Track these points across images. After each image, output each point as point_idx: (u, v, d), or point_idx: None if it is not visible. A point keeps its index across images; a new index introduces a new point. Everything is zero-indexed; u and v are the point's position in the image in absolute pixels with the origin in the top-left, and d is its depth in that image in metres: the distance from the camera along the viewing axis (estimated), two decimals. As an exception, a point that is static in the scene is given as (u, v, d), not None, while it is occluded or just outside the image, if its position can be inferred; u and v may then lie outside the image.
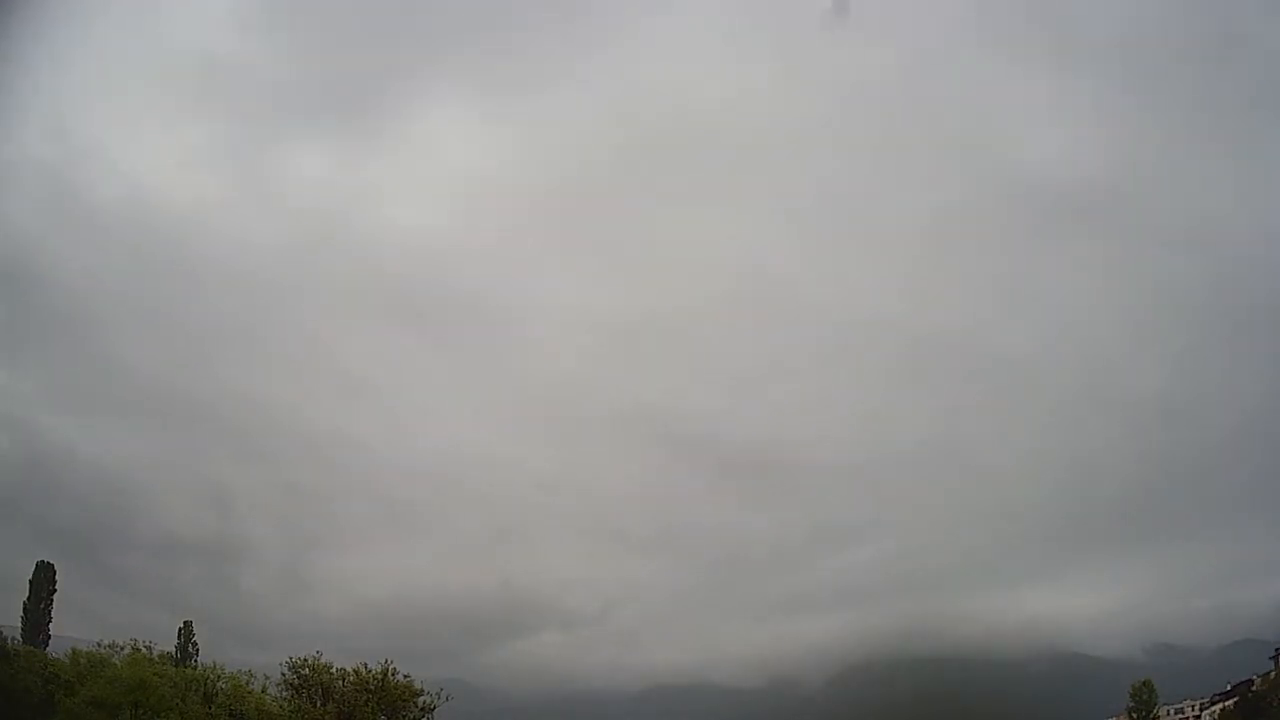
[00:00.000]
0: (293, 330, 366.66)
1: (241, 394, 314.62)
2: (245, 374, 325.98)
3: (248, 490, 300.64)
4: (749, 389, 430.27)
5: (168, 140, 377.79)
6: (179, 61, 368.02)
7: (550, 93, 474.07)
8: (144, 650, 73.36)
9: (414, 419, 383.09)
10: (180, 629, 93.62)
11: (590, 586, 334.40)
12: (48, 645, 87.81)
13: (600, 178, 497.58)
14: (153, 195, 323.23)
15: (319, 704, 75.72)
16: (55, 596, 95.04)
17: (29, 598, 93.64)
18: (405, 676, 78.79)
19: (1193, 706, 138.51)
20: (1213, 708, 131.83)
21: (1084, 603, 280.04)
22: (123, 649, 72.75)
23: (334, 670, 77.76)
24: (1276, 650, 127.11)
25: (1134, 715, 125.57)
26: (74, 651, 74.09)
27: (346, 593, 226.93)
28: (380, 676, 77.53)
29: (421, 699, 78.82)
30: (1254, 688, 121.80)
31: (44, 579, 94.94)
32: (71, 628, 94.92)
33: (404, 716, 78.06)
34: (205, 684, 73.83)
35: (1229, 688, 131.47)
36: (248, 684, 75.73)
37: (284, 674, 77.19)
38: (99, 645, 73.92)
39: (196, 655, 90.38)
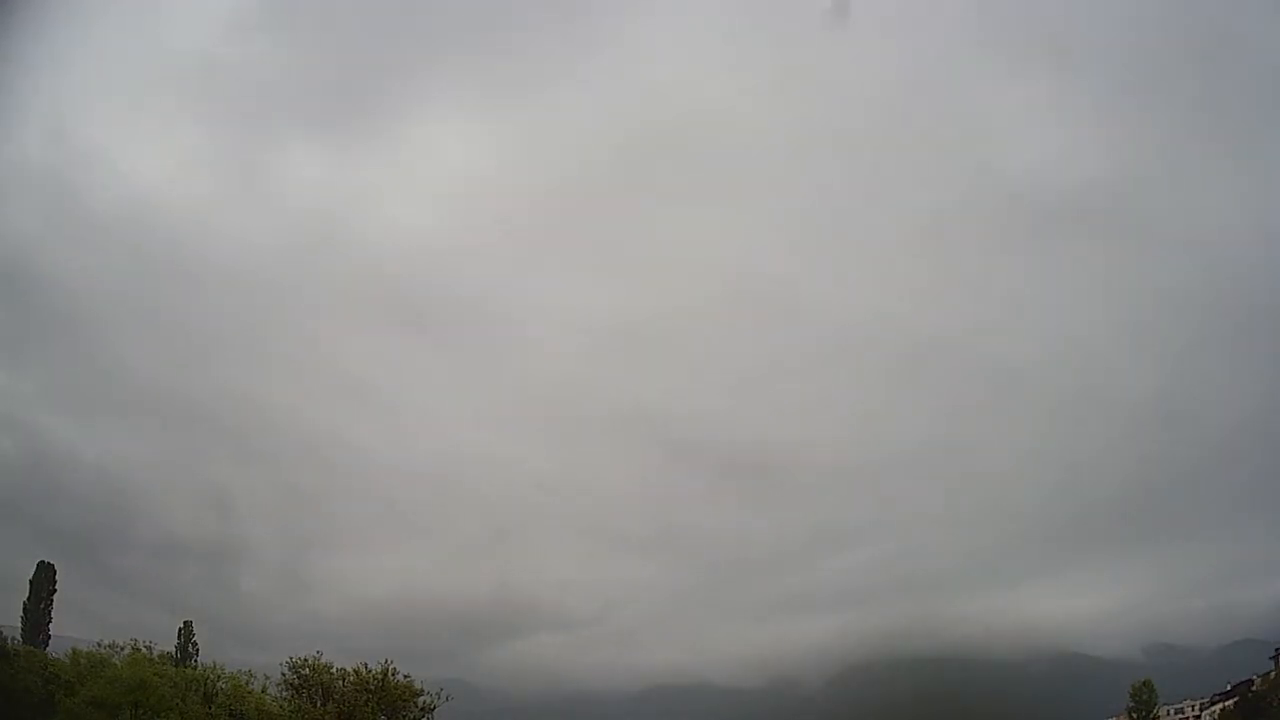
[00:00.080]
0: (292, 331, 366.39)
1: (241, 395, 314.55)
2: (245, 375, 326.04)
3: (247, 491, 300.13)
4: (749, 389, 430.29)
5: (167, 141, 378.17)
6: (178, 63, 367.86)
7: (549, 93, 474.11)
8: (144, 650, 73.42)
9: (413, 420, 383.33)
10: (180, 629, 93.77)
11: (590, 586, 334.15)
12: (48, 645, 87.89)
13: (599, 178, 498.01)
14: (152, 196, 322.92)
15: (319, 704, 75.73)
16: (55, 596, 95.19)
17: (29, 598, 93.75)
18: (405, 676, 78.84)
19: (1193, 706, 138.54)
20: (1213, 708, 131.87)
21: (1084, 603, 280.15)
22: (123, 649, 72.83)
23: (334, 670, 77.76)
24: (1276, 650, 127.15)
25: (1134, 715, 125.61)
26: (74, 651, 74.14)
27: (346, 593, 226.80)
28: (380, 676, 77.54)
29: (421, 699, 78.82)
30: (1254, 688, 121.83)
31: (44, 579, 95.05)
32: (71, 628, 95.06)
33: (404, 716, 78.07)
34: (205, 684, 73.89)
35: (1229, 688, 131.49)
36: (248, 684, 75.79)
37: (284, 674, 77.21)
38: (99, 645, 73.98)
39: (196, 655, 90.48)
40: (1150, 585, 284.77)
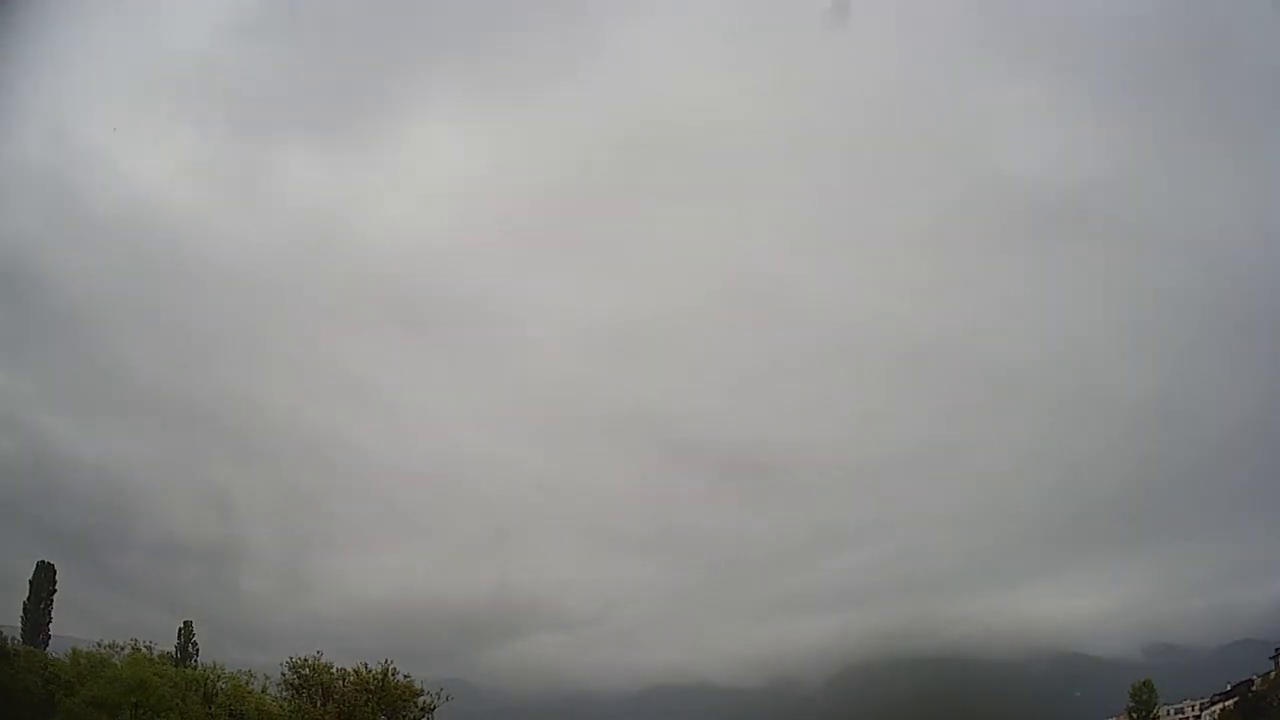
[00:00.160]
0: (292, 331, 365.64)
1: (241, 395, 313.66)
2: (245, 375, 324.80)
3: (247, 491, 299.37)
4: (749, 389, 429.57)
5: (167, 142, 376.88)
6: (178, 63, 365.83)
7: (549, 93, 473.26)
8: (144, 650, 73.49)
9: (413, 420, 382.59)
10: (180, 629, 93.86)
11: (590, 586, 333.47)
12: (48, 645, 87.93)
13: (599, 178, 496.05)
14: (152, 196, 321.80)
15: (319, 704, 75.80)
16: (55, 596, 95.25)
17: (29, 598, 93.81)
18: (405, 676, 78.96)
19: (1193, 706, 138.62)
20: (1213, 708, 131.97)
21: (1084, 603, 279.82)
22: (123, 649, 72.94)
23: (334, 670, 77.87)
24: (1276, 650, 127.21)
25: (1134, 715, 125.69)
26: (74, 651, 74.18)
27: (346, 593, 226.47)
28: (380, 676, 77.64)
29: (421, 699, 78.95)
30: (1254, 688, 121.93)
31: (44, 579, 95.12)
32: (71, 628, 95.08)
33: (404, 716, 78.17)
34: (205, 684, 73.99)
35: (1229, 688, 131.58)
36: (248, 684, 75.87)
37: (284, 674, 77.31)
38: (99, 645, 74.04)
39: (196, 655, 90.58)
40: (1150, 585, 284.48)
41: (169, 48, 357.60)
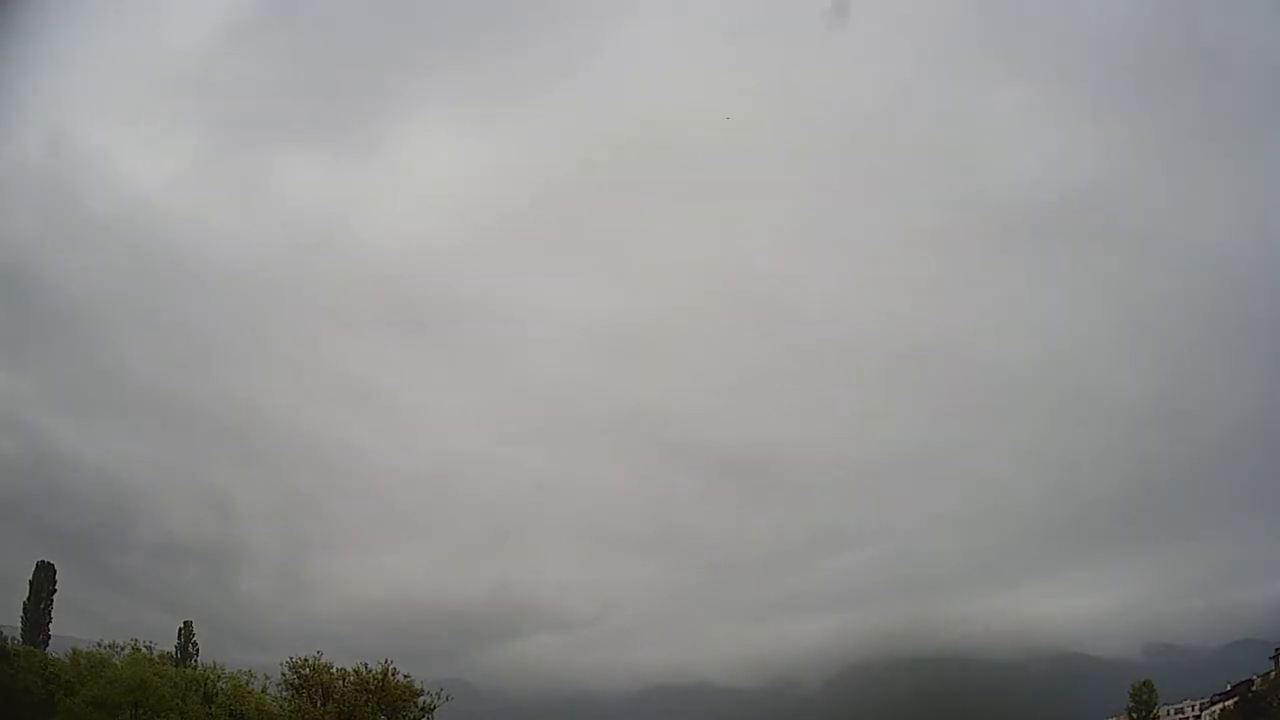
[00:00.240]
0: (292, 332, 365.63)
1: (241, 396, 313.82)
2: (244, 376, 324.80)
3: (247, 492, 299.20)
4: (748, 390, 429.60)
5: (167, 143, 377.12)
6: (178, 65, 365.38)
7: (549, 94, 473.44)
8: (144, 650, 73.43)
9: (413, 421, 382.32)
10: (180, 629, 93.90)
11: (589, 587, 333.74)
12: (48, 645, 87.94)
13: (598, 179, 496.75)
14: (152, 197, 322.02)
15: (319, 704, 75.72)
16: (55, 596, 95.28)
17: (29, 598, 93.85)
18: (405, 676, 78.85)
19: (1193, 706, 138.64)
20: (1213, 708, 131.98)
21: (1084, 603, 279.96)
22: (123, 649, 72.85)
23: (334, 670, 77.74)
24: (1276, 650, 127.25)
25: (1134, 715, 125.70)
26: (74, 651, 74.17)
27: (346, 594, 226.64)
28: (380, 676, 77.52)
29: (421, 699, 78.80)
30: (1254, 688, 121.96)
31: (44, 579, 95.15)
32: (71, 628, 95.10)
33: (404, 716, 78.06)
34: (205, 684, 73.91)
35: (1229, 688, 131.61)
36: (248, 684, 75.80)
37: (284, 674, 77.19)
38: (99, 645, 73.99)
39: (196, 655, 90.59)
40: (1150, 585, 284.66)
41: (169, 49, 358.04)
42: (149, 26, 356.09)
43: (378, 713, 76.47)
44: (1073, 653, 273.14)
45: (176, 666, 79.92)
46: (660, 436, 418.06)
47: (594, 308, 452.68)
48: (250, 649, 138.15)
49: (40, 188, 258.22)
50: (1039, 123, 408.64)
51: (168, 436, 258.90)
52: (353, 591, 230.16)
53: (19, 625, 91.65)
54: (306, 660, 77.25)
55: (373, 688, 76.58)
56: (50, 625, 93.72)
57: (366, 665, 78.46)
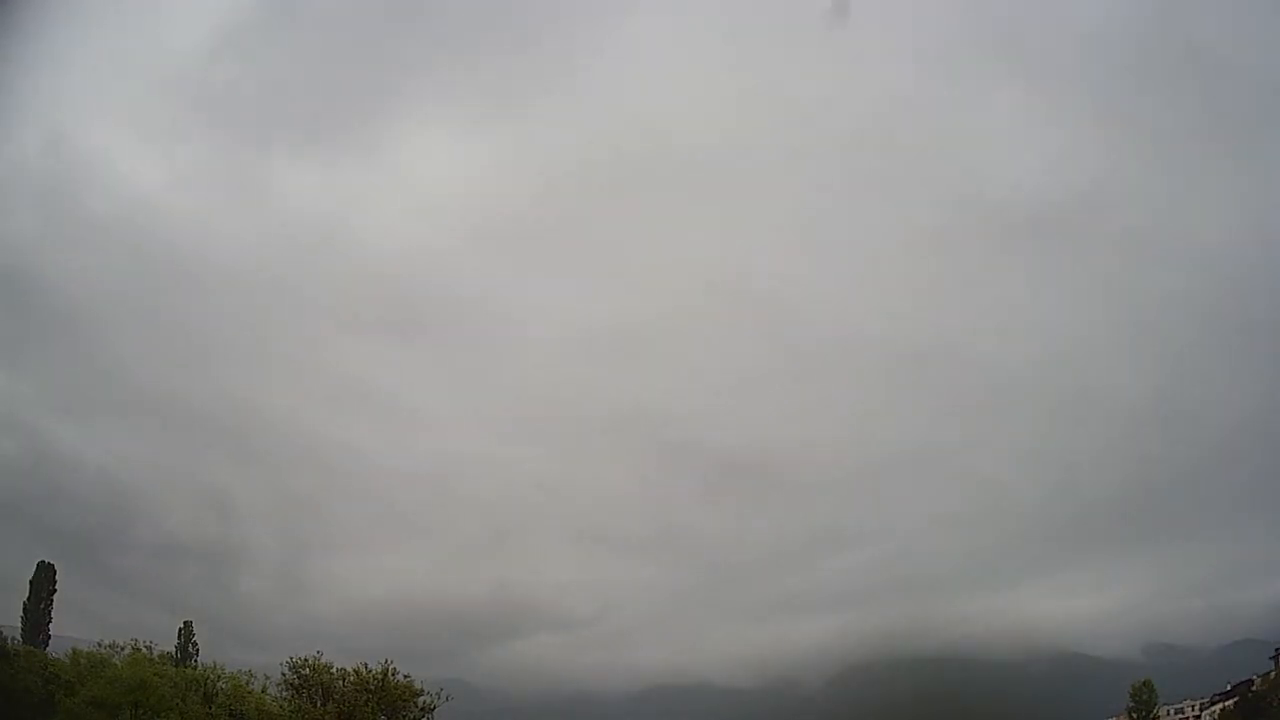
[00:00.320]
0: (291, 333, 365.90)
1: (241, 396, 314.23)
2: (244, 376, 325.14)
3: (247, 492, 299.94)
4: (748, 390, 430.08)
5: (167, 144, 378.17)
6: (178, 67, 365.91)
7: (549, 94, 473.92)
8: (144, 650, 73.40)
9: (412, 421, 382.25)
10: (180, 629, 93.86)
11: (589, 587, 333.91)
12: (48, 645, 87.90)
13: (597, 180, 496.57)
14: (152, 198, 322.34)
15: (319, 704, 75.69)
16: (55, 596, 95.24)
17: (29, 598, 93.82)
18: (405, 676, 78.81)
19: (1193, 706, 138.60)
20: (1213, 708, 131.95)
21: (1084, 603, 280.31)
22: (123, 649, 72.83)
23: (334, 670, 77.69)
24: (1276, 650, 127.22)
25: (1134, 715, 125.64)
26: (74, 651, 74.15)
27: (346, 594, 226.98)
28: (380, 676, 77.47)
29: (421, 699, 78.74)
30: (1254, 688, 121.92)
31: (44, 579, 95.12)
32: (71, 628, 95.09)
33: (404, 716, 78.02)
34: (205, 684, 73.87)
35: (1229, 688, 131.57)
36: (248, 684, 75.76)
37: (284, 674, 77.14)
38: (99, 645, 73.97)
39: (196, 655, 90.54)
40: (1150, 585, 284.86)
41: (169, 49, 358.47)
42: (149, 27, 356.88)
43: (378, 713, 76.42)
44: (1073, 653, 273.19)
45: (176, 666, 79.88)
46: (660, 436, 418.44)
47: (594, 308, 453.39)
48: (250, 649, 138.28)
49: (40, 188, 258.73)
50: (1038, 123, 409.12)
51: (168, 436, 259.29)
52: (353, 591, 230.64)
53: (19, 625, 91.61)
54: (306, 660, 77.22)
55: (373, 688, 76.53)
56: (50, 625, 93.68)
57: (366, 665, 78.45)
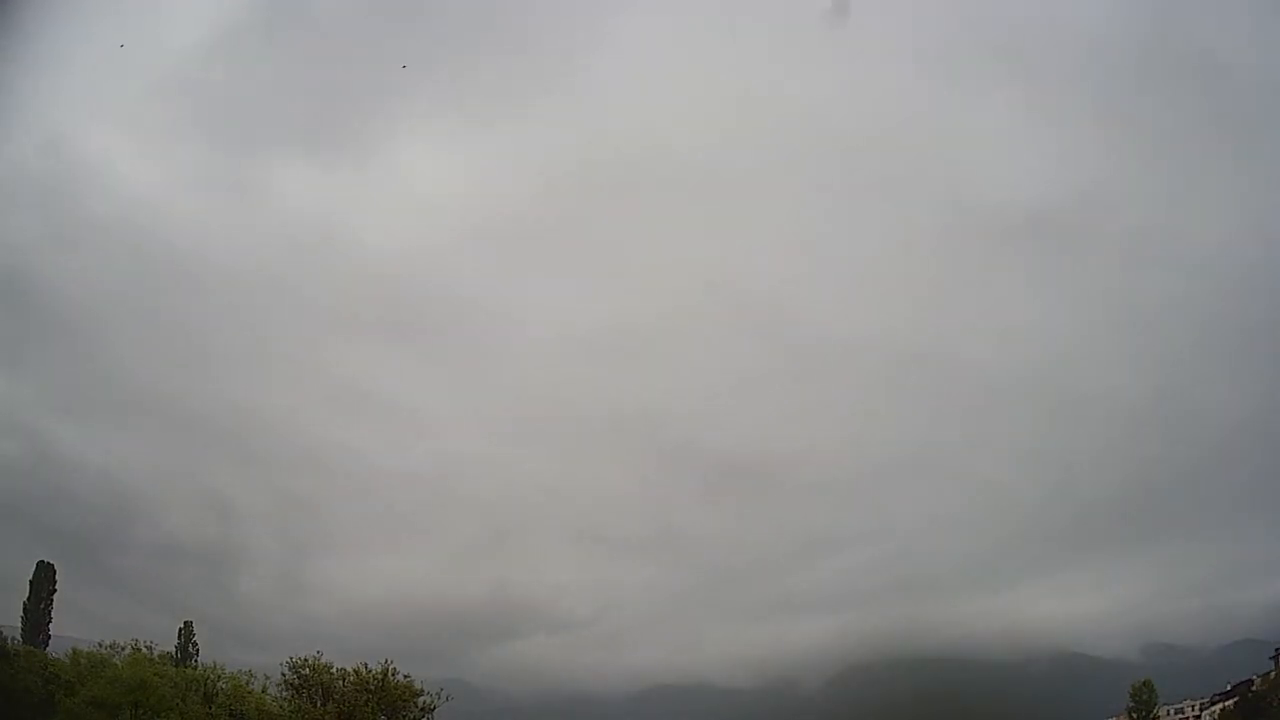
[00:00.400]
0: (291, 334, 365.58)
1: (240, 398, 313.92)
2: (244, 378, 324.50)
3: (246, 493, 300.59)
4: (748, 391, 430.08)
5: (166, 146, 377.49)
6: (177, 69, 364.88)
7: (547, 95, 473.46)
8: (144, 651, 73.42)
9: (412, 422, 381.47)
10: (180, 629, 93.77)
11: (589, 587, 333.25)
12: (48, 645, 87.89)
13: (597, 180, 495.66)
14: (151, 200, 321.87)
15: (319, 704, 75.69)
16: (55, 596, 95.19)
17: (29, 598, 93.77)
18: (405, 677, 78.81)
19: (1193, 706, 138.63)
20: (1213, 708, 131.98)
21: (1083, 603, 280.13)
22: (123, 649, 72.86)
23: (334, 670, 77.70)
24: (1276, 650, 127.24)
25: (1134, 715, 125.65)
26: (74, 651, 74.18)
27: (345, 595, 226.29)
28: (380, 676, 77.49)
29: (421, 699, 78.75)
30: (1254, 688, 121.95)
31: (44, 579, 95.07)
32: (71, 628, 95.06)
33: (404, 716, 78.03)
34: (205, 684, 73.92)
35: (1229, 688, 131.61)
36: (248, 684, 75.78)
37: (284, 674, 77.16)
38: (99, 645, 73.99)
39: (196, 656, 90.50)
40: (1150, 585, 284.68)
41: (169, 50, 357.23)
42: (149, 28, 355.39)
43: (378, 713, 76.44)
44: (1072, 653, 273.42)
45: (176, 667, 79.88)
46: (660, 437, 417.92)
47: (594, 308, 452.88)
48: (250, 649, 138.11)
49: (40, 189, 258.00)
50: (1038, 125, 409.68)
51: (167, 437, 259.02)
52: (352, 591, 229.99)
53: (19, 625, 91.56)
54: (306, 660, 77.24)
55: (373, 688, 76.56)
56: (50, 625, 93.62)
57: (366, 665, 78.49)
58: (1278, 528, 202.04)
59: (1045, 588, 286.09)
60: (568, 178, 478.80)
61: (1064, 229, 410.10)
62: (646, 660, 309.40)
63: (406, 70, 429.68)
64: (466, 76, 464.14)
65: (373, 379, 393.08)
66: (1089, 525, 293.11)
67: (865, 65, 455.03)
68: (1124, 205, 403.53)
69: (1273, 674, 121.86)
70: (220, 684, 74.66)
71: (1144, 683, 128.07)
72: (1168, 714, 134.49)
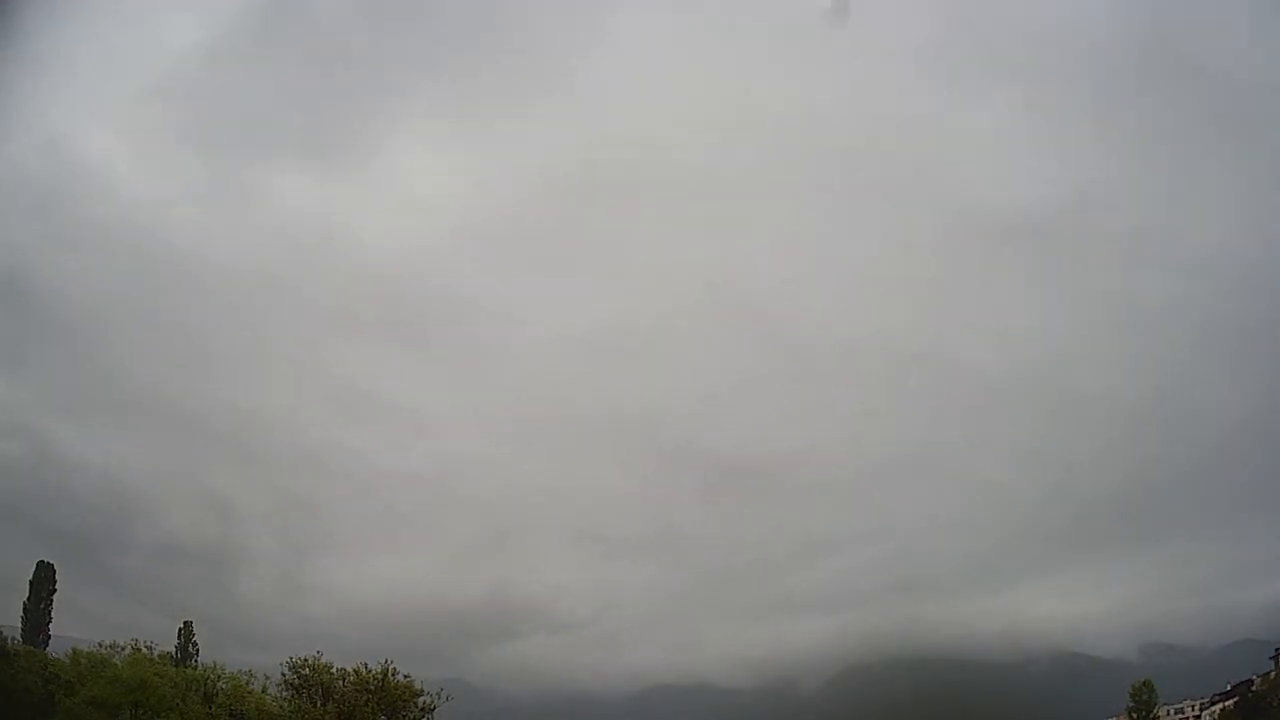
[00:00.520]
0: (290, 335, 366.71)
1: (240, 399, 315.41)
2: (243, 379, 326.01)
3: (246, 493, 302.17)
4: (747, 393, 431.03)
5: (166, 148, 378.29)
6: (178, 71, 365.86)
7: (545, 97, 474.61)
8: (144, 651, 73.37)
9: (411, 423, 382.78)
10: (180, 629, 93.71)
11: (588, 588, 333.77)
12: (48, 645, 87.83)
13: (596, 181, 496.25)
14: (151, 202, 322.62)
15: (319, 704, 75.61)
16: (55, 596, 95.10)
17: (29, 598, 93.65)
18: (405, 676, 78.73)
19: (1193, 706, 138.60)
20: (1213, 708, 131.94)
21: (1083, 603, 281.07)
22: (123, 649, 72.79)
23: (334, 670, 77.58)
24: (1276, 650, 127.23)
25: (1134, 715, 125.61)
26: (74, 651, 74.10)
27: (345, 595, 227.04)
28: (380, 676, 77.34)
29: (421, 699, 78.61)
30: (1254, 688, 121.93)
31: (44, 579, 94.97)
32: (71, 628, 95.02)
33: (404, 716, 77.93)
34: (205, 684, 73.84)
35: (1229, 688, 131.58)
36: (248, 684, 75.73)
37: (284, 674, 77.04)
38: (99, 645, 73.94)
39: (196, 656, 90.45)
40: (1150, 585, 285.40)
41: (169, 50, 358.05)
42: (149, 29, 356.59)
43: (378, 713, 76.33)
44: (1072, 653, 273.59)
45: (176, 667, 79.81)
46: (659, 438, 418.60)
47: (594, 308, 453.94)
48: (250, 649, 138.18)
49: (40, 191, 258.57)
50: (1037, 126, 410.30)
51: (167, 438, 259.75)
52: (352, 592, 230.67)
53: (19, 625, 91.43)
54: (306, 660, 77.08)
55: (373, 688, 76.42)
56: (50, 625, 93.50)
57: (366, 665, 78.26)
58: (1278, 528, 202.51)
59: (1045, 588, 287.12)
60: (567, 178, 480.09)
61: (1064, 229, 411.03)
62: (646, 660, 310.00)
63: (406, 71, 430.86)
64: (466, 77, 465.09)
65: (373, 379, 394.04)
66: (1089, 525, 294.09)
67: (865, 66, 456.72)
68: (1124, 205, 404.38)
69: (1273, 674, 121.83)
70: (220, 684, 74.56)
71: (1144, 683, 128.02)
72: (1168, 714, 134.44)
